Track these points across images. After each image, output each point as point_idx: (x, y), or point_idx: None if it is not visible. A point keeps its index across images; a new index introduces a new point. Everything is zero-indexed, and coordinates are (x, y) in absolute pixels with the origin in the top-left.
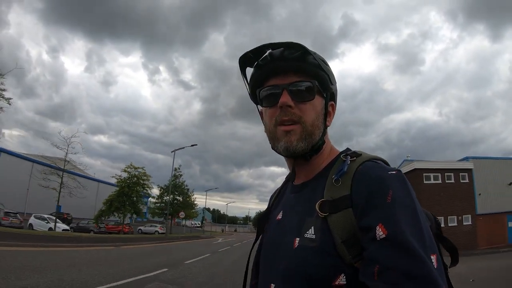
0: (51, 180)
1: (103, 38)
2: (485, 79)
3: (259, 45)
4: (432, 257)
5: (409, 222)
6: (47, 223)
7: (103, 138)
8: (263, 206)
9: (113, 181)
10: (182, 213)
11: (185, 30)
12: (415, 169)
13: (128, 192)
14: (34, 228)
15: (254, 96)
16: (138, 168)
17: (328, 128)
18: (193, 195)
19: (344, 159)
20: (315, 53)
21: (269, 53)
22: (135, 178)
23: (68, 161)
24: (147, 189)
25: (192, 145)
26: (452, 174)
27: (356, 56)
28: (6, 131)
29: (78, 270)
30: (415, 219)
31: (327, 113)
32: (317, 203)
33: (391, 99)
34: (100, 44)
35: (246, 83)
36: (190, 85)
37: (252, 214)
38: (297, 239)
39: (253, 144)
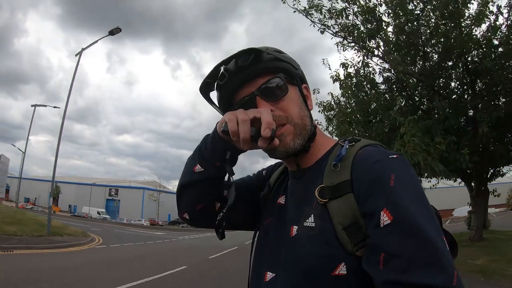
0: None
1: (122, 38)
2: None
3: (212, 67)
4: (444, 239)
5: (416, 204)
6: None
7: (128, 138)
8: None
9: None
10: None
11: (203, 25)
12: None
13: None
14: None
15: None
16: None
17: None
18: None
19: (343, 144)
20: (267, 48)
21: (224, 70)
22: None
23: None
24: None
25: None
26: None
27: None
28: (32, 138)
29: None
30: (422, 201)
31: (305, 97)
32: (316, 189)
33: None
34: (120, 44)
35: (218, 109)
36: None
37: None
38: (295, 227)
39: None
